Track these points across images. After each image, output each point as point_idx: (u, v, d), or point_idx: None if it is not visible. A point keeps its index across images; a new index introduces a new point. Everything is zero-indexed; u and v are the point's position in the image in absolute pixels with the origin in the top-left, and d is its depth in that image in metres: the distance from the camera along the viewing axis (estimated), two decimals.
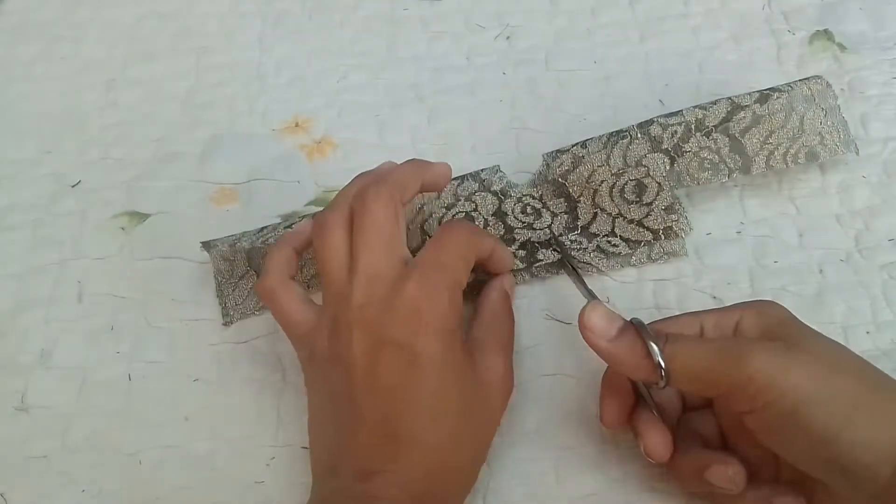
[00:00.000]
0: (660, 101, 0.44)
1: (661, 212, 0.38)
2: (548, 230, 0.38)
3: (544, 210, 0.39)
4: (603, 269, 0.38)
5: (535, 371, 0.36)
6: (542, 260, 0.37)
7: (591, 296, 0.34)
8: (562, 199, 0.39)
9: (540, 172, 0.40)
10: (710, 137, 0.38)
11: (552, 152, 0.40)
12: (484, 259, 0.34)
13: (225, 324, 0.38)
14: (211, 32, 0.49)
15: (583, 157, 0.38)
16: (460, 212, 0.38)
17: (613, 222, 0.38)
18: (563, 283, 0.38)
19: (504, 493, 0.33)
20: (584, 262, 0.37)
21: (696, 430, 0.31)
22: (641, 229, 0.38)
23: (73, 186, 0.44)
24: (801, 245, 0.38)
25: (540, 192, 0.39)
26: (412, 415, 0.29)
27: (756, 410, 0.26)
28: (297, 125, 0.45)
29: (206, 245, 0.39)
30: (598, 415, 0.32)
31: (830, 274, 0.37)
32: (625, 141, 0.38)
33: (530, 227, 0.38)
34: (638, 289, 0.37)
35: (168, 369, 0.37)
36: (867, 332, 0.35)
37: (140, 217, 0.42)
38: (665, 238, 0.38)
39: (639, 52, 0.46)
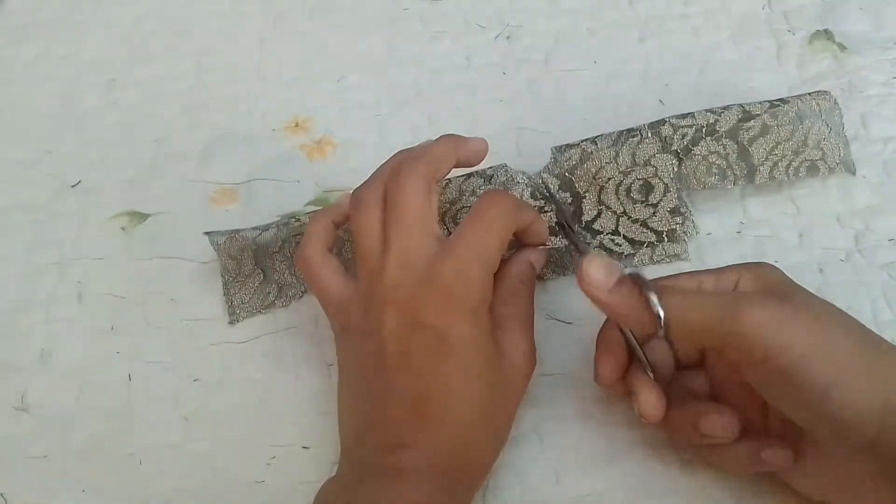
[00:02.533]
0: (660, 101, 0.44)
1: (667, 213, 0.38)
2: (552, 215, 0.38)
3: (549, 203, 0.38)
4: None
5: (535, 371, 0.36)
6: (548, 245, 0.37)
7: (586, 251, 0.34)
8: (567, 194, 0.38)
9: (547, 167, 0.40)
10: (720, 143, 0.38)
11: (561, 146, 0.39)
12: (521, 231, 0.34)
13: (231, 322, 0.38)
14: (211, 32, 0.49)
15: (591, 152, 0.38)
16: (465, 206, 0.38)
17: (618, 221, 0.38)
18: (562, 283, 0.38)
19: (504, 492, 0.33)
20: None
21: (688, 386, 0.32)
22: (645, 230, 0.38)
23: (73, 186, 0.44)
24: (802, 245, 0.38)
25: (546, 185, 0.39)
26: (439, 393, 0.29)
27: (753, 364, 0.26)
28: (297, 125, 0.45)
29: (210, 236, 0.39)
30: (598, 414, 0.32)
31: (830, 274, 0.37)
32: (635, 139, 0.38)
33: (541, 210, 0.38)
34: None
35: (168, 369, 0.37)
36: None
37: (140, 217, 0.42)
38: (668, 240, 0.38)
39: (639, 52, 0.46)
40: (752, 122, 0.38)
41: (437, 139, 0.34)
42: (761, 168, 0.38)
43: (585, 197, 0.38)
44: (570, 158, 0.38)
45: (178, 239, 0.41)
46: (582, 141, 0.39)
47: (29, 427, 0.36)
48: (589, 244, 0.38)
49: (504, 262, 0.35)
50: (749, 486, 0.32)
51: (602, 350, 0.32)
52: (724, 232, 0.39)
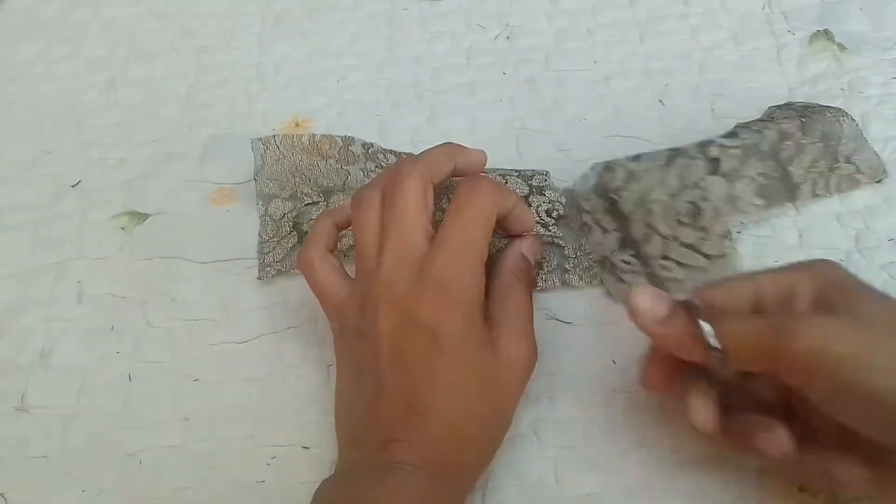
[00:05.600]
0: (660, 101, 0.44)
1: (717, 237, 0.37)
2: (558, 238, 0.37)
3: (595, 226, 0.37)
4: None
5: (535, 371, 0.36)
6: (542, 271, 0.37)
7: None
8: (613, 216, 0.37)
9: (584, 182, 0.39)
10: (765, 163, 0.37)
11: (602, 164, 0.38)
12: (504, 218, 0.34)
13: (259, 278, 0.38)
14: (211, 32, 0.49)
15: (638, 173, 0.37)
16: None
17: (667, 245, 0.37)
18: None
19: (503, 492, 0.33)
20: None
21: (754, 392, 0.30)
22: (696, 254, 0.37)
23: (73, 186, 0.44)
24: (801, 245, 0.38)
25: (590, 206, 0.38)
26: (432, 390, 0.30)
27: (811, 383, 0.26)
28: (296, 125, 0.45)
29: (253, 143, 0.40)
30: (598, 414, 0.32)
31: None
32: (682, 160, 0.37)
33: (545, 226, 0.38)
34: None
35: (168, 369, 0.37)
36: None
37: (140, 217, 0.42)
38: (720, 265, 0.36)
39: (639, 52, 0.46)
40: (788, 142, 0.38)
41: (437, 146, 0.34)
42: (803, 187, 0.38)
43: (633, 220, 0.37)
44: (614, 179, 0.37)
45: (178, 239, 0.41)
46: (627, 160, 0.38)
47: (29, 427, 0.36)
48: (636, 273, 0.36)
49: (497, 256, 0.35)
50: (750, 487, 0.32)
51: (652, 354, 0.31)
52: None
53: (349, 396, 0.32)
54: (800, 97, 0.43)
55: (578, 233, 0.38)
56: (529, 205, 0.38)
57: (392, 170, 0.33)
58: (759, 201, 0.37)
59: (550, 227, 0.38)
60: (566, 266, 0.38)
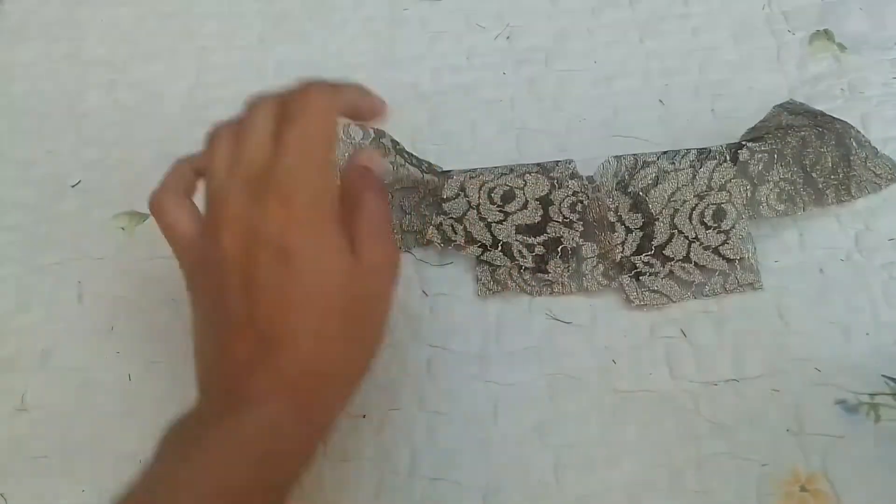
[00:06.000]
0: (660, 101, 0.44)
1: (739, 241, 0.37)
2: (579, 236, 0.37)
3: (618, 224, 0.37)
4: (675, 298, 0.36)
5: (535, 371, 0.36)
6: (549, 272, 0.37)
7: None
8: (639, 215, 0.37)
9: (604, 173, 0.38)
10: (789, 168, 0.37)
11: (628, 157, 0.38)
12: (351, 113, 0.31)
13: None
14: (211, 32, 0.49)
15: (669, 172, 0.37)
16: (507, 185, 0.38)
17: (689, 247, 0.37)
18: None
19: (503, 492, 0.33)
20: (653, 291, 0.36)
21: None
22: (717, 257, 0.37)
23: (73, 186, 0.44)
24: (802, 245, 0.38)
25: (614, 203, 0.37)
26: (283, 312, 0.28)
27: None
28: None
29: None
30: (598, 414, 0.32)
31: (831, 274, 0.37)
32: (713, 162, 0.37)
33: (570, 225, 0.37)
34: None
35: (168, 369, 0.37)
36: (867, 333, 0.35)
37: (140, 217, 0.42)
38: (741, 269, 0.37)
39: (639, 52, 0.46)
40: (809, 149, 0.38)
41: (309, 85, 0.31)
42: (828, 192, 0.38)
43: (658, 220, 0.37)
44: (645, 177, 0.37)
45: None
46: (657, 157, 0.38)
47: (29, 427, 0.36)
48: (657, 274, 0.36)
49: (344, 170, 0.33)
50: (750, 486, 0.32)
51: None
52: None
53: (201, 335, 0.30)
54: (800, 97, 0.43)
55: (597, 230, 0.38)
56: (552, 202, 0.38)
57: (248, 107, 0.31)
58: (780, 206, 0.37)
59: (575, 225, 0.37)
60: (583, 270, 0.37)
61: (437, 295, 0.38)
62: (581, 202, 0.38)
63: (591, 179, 0.38)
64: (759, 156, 0.37)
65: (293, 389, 0.28)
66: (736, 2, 0.47)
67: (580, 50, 0.46)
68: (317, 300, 0.28)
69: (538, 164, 0.39)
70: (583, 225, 0.38)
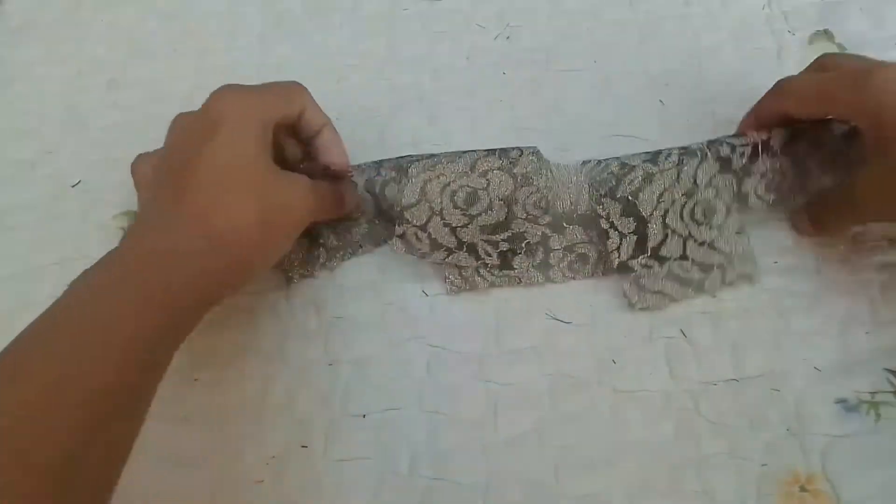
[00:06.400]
0: (660, 101, 0.44)
1: (732, 234, 0.37)
2: (547, 228, 0.38)
3: (612, 230, 0.37)
4: (677, 297, 0.37)
5: (535, 371, 0.36)
6: (514, 269, 0.37)
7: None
8: (631, 219, 0.37)
9: (587, 174, 0.38)
10: (777, 158, 0.38)
11: (614, 162, 0.38)
12: (291, 122, 0.36)
13: (287, 281, 0.39)
14: (211, 32, 0.49)
15: (654, 174, 0.37)
16: (469, 186, 0.37)
17: (684, 245, 0.37)
18: (563, 283, 0.38)
19: (504, 492, 0.33)
20: (654, 292, 0.36)
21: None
22: (713, 252, 0.37)
23: (73, 186, 0.44)
24: (800, 245, 0.38)
25: (605, 210, 0.37)
26: (206, 163, 0.32)
27: (879, 124, 0.32)
28: None
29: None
30: (598, 414, 0.32)
31: (829, 274, 0.37)
32: (695, 160, 0.37)
33: (534, 220, 0.37)
34: None
35: (168, 369, 0.37)
36: (867, 332, 0.35)
37: None
38: (738, 260, 0.37)
39: (639, 52, 0.46)
40: (802, 140, 0.38)
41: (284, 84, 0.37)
42: (825, 178, 0.38)
43: (650, 222, 0.37)
44: (632, 181, 0.37)
45: None
46: (642, 160, 0.38)
47: None
48: (656, 276, 0.37)
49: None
50: (751, 486, 0.32)
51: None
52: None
53: (141, 219, 0.33)
54: None
55: (564, 223, 0.38)
56: (516, 201, 0.37)
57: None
58: (768, 196, 0.37)
59: (539, 220, 0.38)
60: (550, 262, 0.38)
61: (437, 295, 0.38)
62: (546, 198, 0.38)
63: (560, 170, 0.39)
64: (741, 149, 0.37)
65: (196, 225, 0.31)
66: (736, 2, 0.47)
67: (580, 50, 0.46)
68: (234, 169, 0.32)
69: (501, 154, 0.38)
70: (549, 216, 0.38)
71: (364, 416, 0.35)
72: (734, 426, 0.34)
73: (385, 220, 0.39)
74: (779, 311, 0.36)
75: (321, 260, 0.39)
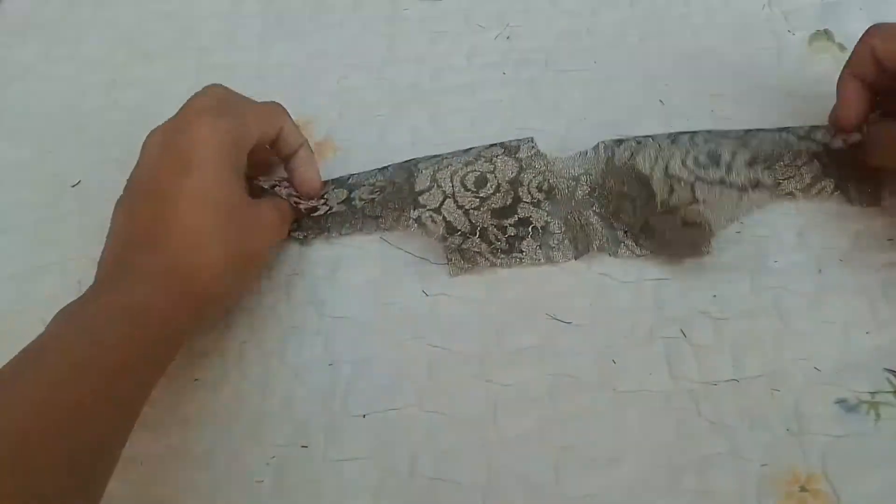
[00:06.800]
0: (660, 101, 0.44)
1: (744, 167, 0.36)
2: (546, 214, 0.38)
3: (622, 202, 0.38)
4: (699, 238, 0.36)
5: (536, 371, 0.36)
6: (523, 253, 0.38)
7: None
8: (633, 181, 0.38)
9: (591, 157, 0.40)
10: (757, 157, 0.39)
11: (610, 141, 0.40)
12: (272, 140, 0.38)
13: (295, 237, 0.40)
14: (211, 32, 0.49)
15: (644, 142, 0.39)
16: (477, 171, 0.39)
17: (693, 189, 0.36)
18: (563, 283, 0.38)
19: (504, 493, 0.33)
20: (675, 243, 0.36)
21: None
22: (724, 188, 0.36)
23: (73, 186, 0.44)
24: (800, 245, 0.38)
25: (609, 188, 0.38)
26: (174, 211, 0.32)
27: None
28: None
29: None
30: (598, 414, 0.32)
31: (829, 274, 0.37)
32: (686, 135, 0.39)
33: (538, 205, 0.38)
34: (637, 288, 0.37)
35: (168, 369, 0.37)
36: (867, 332, 0.35)
37: None
38: (752, 190, 0.36)
39: (639, 52, 0.46)
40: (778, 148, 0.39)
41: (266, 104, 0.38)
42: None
43: (652, 176, 0.36)
44: (624, 151, 0.38)
45: None
46: (626, 139, 0.40)
47: None
48: (673, 228, 0.36)
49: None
50: (751, 486, 0.32)
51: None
52: (724, 232, 0.39)
53: (112, 228, 0.35)
54: (800, 97, 0.43)
55: (562, 208, 0.39)
56: (521, 184, 0.38)
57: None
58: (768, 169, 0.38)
59: (542, 205, 0.38)
60: (551, 244, 0.38)
61: (437, 295, 0.38)
62: (548, 181, 0.39)
63: (558, 161, 0.40)
64: (732, 133, 0.39)
65: (173, 276, 0.31)
66: (736, 2, 0.47)
67: (580, 50, 0.46)
68: (201, 211, 0.33)
69: (502, 145, 0.40)
70: (549, 203, 0.38)
71: (364, 416, 0.35)
72: (734, 426, 0.34)
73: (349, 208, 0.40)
74: (779, 311, 0.36)
75: (327, 224, 0.40)
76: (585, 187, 0.39)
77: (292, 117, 0.39)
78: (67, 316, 0.30)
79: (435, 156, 0.41)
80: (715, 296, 0.37)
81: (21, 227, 0.42)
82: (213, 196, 0.33)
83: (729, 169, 0.36)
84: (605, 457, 0.33)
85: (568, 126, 0.43)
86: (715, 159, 0.37)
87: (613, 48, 0.46)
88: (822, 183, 0.39)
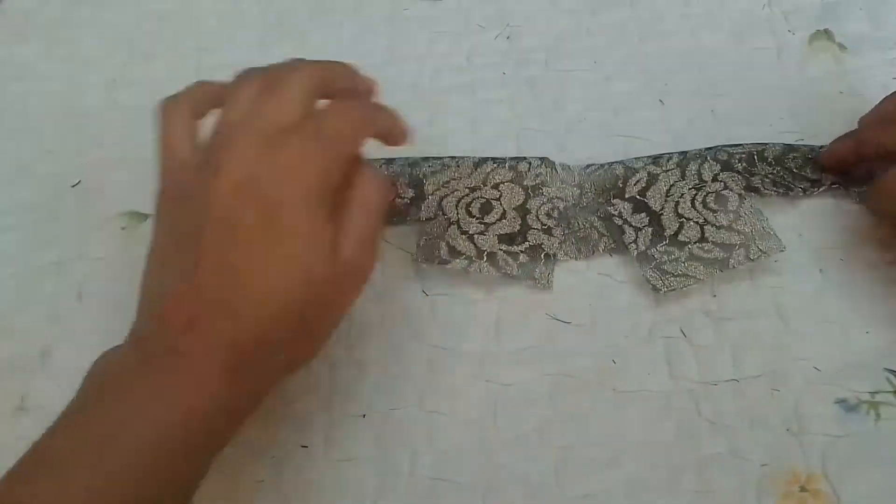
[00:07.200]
0: (660, 100, 0.44)
1: (750, 215, 0.37)
2: (558, 242, 0.38)
3: (626, 226, 0.38)
4: (701, 276, 0.36)
5: (535, 371, 0.36)
6: (535, 280, 0.37)
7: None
8: (643, 214, 0.38)
9: (595, 179, 0.40)
10: (773, 167, 0.39)
11: (613, 166, 0.40)
12: (380, 138, 0.33)
13: None
14: (211, 32, 0.49)
15: (658, 175, 0.39)
16: (483, 198, 0.39)
17: (702, 229, 0.37)
18: (563, 283, 0.38)
19: (503, 492, 0.33)
20: (678, 276, 0.36)
21: None
22: (732, 233, 0.37)
23: (73, 186, 0.44)
24: (801, 244, 0.38)
25: (617, 210, 0.39)
26: (256, 269, 0.27)
27: None
28: None
29: None
30: (598, 414, 0.32)
31: (830, 273, 0.37)
32: (696, 161, 0.39)
33: (549, 231, 0.38)
34: (637, 288, 0.37)
35: None
36: (867, 332, 0.35)
37: (140, 217, 0.42)
38: (759, 238, 0.37)
39: (639, 52, 0.46)
40: (795, 153, 0.40)
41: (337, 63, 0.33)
42: (823, 177, 0.39)
43: (662, 214, 0.38)
44: (637, 182, 0.39)
45: None
46: (644, 164, 0.40)
47: (29, 427, 0.36)
48: (677, 260, 0.37)
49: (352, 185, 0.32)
50: (751, 486, 0.32)
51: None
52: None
53: (160, 265, 0.30)
54: (800, 97, 0.43)
55: (579, 236, 0.38)
56: (529, 211, 0.39)
57: (283, 65, 0.31)
58: (778, 189, 0.39)
59: (554, 232, 0.38)
60: (559, 257, 0.38)
61: (437, 295, 0.38)
62: (557, 208, 0.39)
63: (565, 170, 0.40)
64: (739, 155, 0.39)
65: (237, 353, 0.27)
66: (736, 2, 0.47)
67: (580, 50, 0.46)
68: (282, 275, 0.27)
69: (510, 165, 0.40)
70: (562, 232, 0.38)
71: (364, 416, 0.35)
72: (734, 426, 0.34)
73: None
74: (779, 311, 0.36)
75: None
76: (590, 195, 0.39)
77: None
78: (116, 386, 0.27)
79: (438, 158, 0.41)
80: (715, 296, 0.37)
81: (21, 227, 0.42)
82: (304, 261, 0.27)
83: (737, 216, 0.37)
84: (605, 457, 0.33)
85: (568, 126, 0.43)
86: (723, 204, 0.38)
87: (613, 48, 0.46)
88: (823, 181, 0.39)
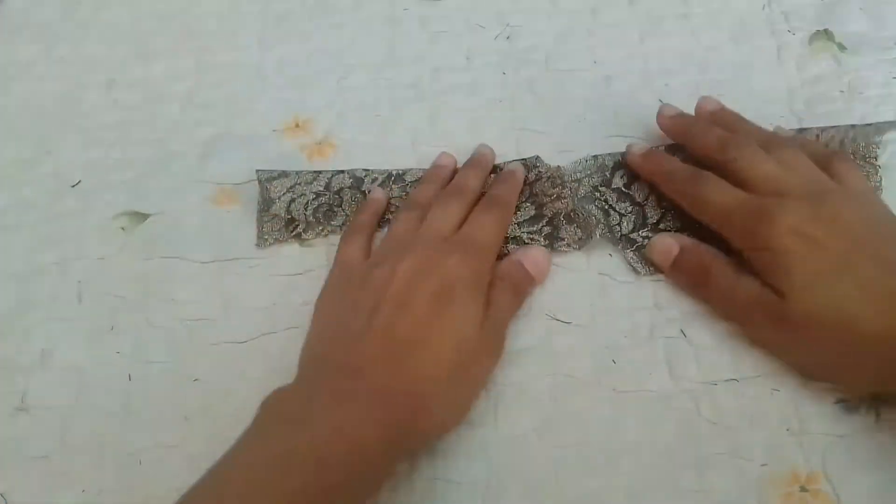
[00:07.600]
0: (660, 101, 0.44)
1: None
2: (570, 201, 0.39)
3: (611, 210, 0.39)
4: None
5: (536, 371, 0.36)
6: (563, 239, 0.38)
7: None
8: (627, 203, 0.39)
9: (585, 169, 0.41)
10: None
11: (602, 157, 0.41)
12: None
13: (258, 245, 0.40)
14: (211, 32, 0.49)
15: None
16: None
17: (683, 220, 0.38)
18: (563, 283, 0.38)
19: (503, 492, 0.33)
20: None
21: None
22: None
23: (73, 186, 0.44)
24: None
25: (604, 196, 0.40)
26: (422, 339, 0.32)
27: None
28: (297, 126, 0.45)
29: (258, 173, 0.41)
30: (598, 414, 0.32)
31: None
32: (681, 154, 0.39)
33: (559, 198, 0.39)
34: (637, 288, 0.37)
35: (168, 369, 0.37)
36: None
37: (140, 217, 0.42)
38: None
39: (639, 52, 0.46)
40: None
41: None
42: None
43: (646, 204, 0.39)
44: (623, 176, 0.40)
45: (178, 239, 0.41)
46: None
47: (29, 427, 0.36)
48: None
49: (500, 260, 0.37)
50: (750, 486, 0.32)
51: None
52: None
53: (334, 311, 0.34)
54: (800, 97, 0.43)
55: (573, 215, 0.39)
56: (535, 194, 0.39)
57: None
58: None
59: (564, 195, 0.39)
60: (560, 235, 0.39)
61: None
62: (555, 175, 0.40)
63: (562, 171, 0.40)
64: None
65: (392, 409, 0.30)
66: (736, 2, 0.47)
67: (580, 50, 0.46)
68: (449, 342, 0.32)
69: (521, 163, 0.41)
70: (569, 191, 0.39)
71: None
72: (734, 426, 0.34)
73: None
74: None
75: (299, 229, 0.40)
76: (587, 187, 0.40)
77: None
78: (289, 416, 0.29)
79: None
80: None
81: (21, 227, 0.42)
82: (459, 329, 0.32)
83: None
84: (605, 457, 0.33)
85: (568, 126, 0.43)
86: None
87: (613, 48, 0.46)
88: None
